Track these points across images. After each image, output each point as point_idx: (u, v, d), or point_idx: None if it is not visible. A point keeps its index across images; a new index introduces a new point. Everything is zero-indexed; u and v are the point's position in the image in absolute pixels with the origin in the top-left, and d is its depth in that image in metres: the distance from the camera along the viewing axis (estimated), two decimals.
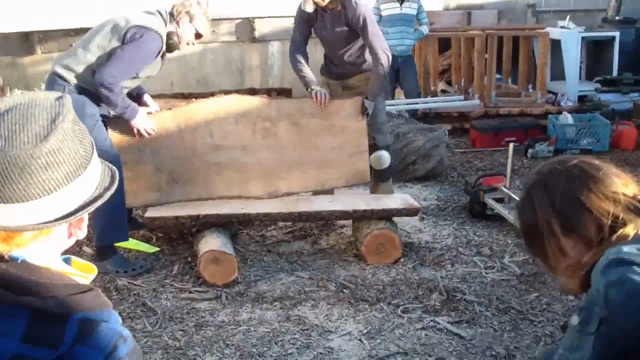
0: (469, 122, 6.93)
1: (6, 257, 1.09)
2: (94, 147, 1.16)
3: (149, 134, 4.06)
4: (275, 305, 3.57)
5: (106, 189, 1.15)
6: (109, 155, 3.62)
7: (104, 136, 3.85)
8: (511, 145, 4.71)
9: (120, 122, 4.03)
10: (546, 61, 7.22)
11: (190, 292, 3.74)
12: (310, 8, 4.36)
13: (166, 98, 6.51)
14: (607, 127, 6.43)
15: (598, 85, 7.51)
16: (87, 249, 4.17)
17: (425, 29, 6.92)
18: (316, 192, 4.56)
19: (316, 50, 5.01)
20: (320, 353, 3.13)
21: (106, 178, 1.17)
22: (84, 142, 1.12)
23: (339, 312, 3.49)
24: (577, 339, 1.46)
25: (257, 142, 4.32)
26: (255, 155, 4.33)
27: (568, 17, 7.83)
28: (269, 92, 7.05)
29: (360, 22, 4.28)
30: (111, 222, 3.84)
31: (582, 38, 7.62)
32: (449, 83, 7.98)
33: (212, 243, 3.88)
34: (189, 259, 4.11)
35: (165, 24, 3.90)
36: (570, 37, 7.57)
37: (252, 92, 7.02)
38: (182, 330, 3.33)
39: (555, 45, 7.60)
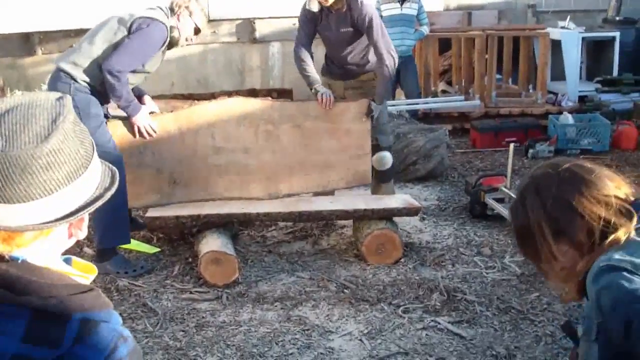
0: (470, 123, 6.93)
1: (7, 257, 1.09)
2: (95, 147, 1.16)
3: (149, 134, 4.05)
4: (276, 306, 3.57)
5: (106, 189, 1.15)
6: (112, 157, 3.62)
7: (107, 137, 3.84)
8: (511, 145, 4.71)
9: (120, 125, 4.02)
10: (546, 61, 7.22)
11: (191, 292, 3.74)
12: (315, 7, 4.33)
13: (166, 99, 6.53)
14: (607, 127, 6.43)
15: (598, 86, 7.51)
16: (88, 250, 4.17)
17: (425, 30, 6.92)
18: (317, 194, 4.56)
19: (316, 50, 5.00)
20: (321, 353, 3.14)
21: (106, 178, 1.17)
22: (85, 143, 1.13)
23: (339, 312, 3.49)
24: (587, 347, 1.48)
25: (259, 145, 4.29)
26: (257, 157, 4.31)
27: (568, 17, 7.83)
28: (269, 92, 7.06)
29: (366, 23, 4.27)
30: (113, 224, 3.84)
31: (583, 38, 7.62)
32: (449, 83, 7.97)
33: (212, 244, 3.88)
34: (190, 259, 4.11)
35: (167, 18, 3.92)
36: (570, 37, 7.56)
37: (253, 92, 7.04)
38: (182, 331, 3.34)
39: (556, 45, 7.59)
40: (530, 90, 7.39)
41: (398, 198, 4.46)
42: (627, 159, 6.11)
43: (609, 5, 8.22)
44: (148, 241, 4.40)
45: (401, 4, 6.70)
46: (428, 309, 3.51)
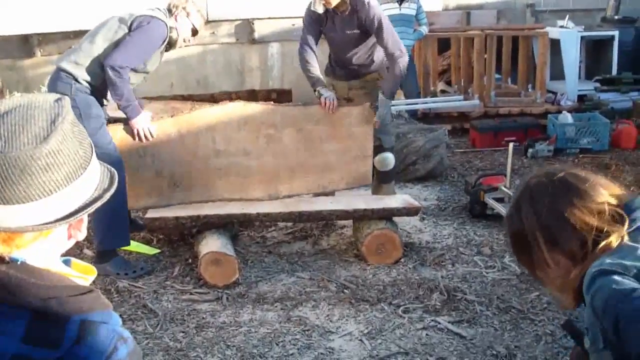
0: (469, 122, 6.93)
1: (6, 258, 1.09)
2: (93, 148, 1.16)
3: (147, 137, 4.02)
4: (276, 306, 3.57)
5: (105, 190, 1.16)
6: (112, 158, 3.62)
7: (108, 139, 3.83)
8: (511, 145, 4.71)
9: (120, 128, 4.01)
10: (545, 61, 7.22)
11: (191, 293, 3.74)
12: (320, 9, 4.32)
13: (166, 99, 6.53)
14: (606, 126, 6.43)
15: (597, 85, 7.51)
16: (88, 252, 4.17)
17: (424, 29, 6.92)
18: (317, 195, 4.55)
19: (319, 50, 4.99)
20: (322, 353, 3.14)
21: (105, 179, 1.17)
22: (84, 144, 1.13)
23: (339, 312, 3.49)
24: (598, 358, 1.48)
25: (260, 148, 4.27)
26: (258, 160, 4.29)
27: (567, 16, 7.83)
28: (268, 93, 7.06)
29: (376, 24, 4.24)
30: (113, 226, 3.83)
31: (582, 37, 7.62)
32: (448, 83, 7.98)
33: (212, 244, 3.88)
34: (190, 260, 4.11)
35: (166, 18, 3.93)
36: (569, 36, 7.57)
37: (252, 93, 7.03)
38: (183, 332, 3.33)
39: (555, 44, 7.59)
40: (530, 90, 7.39)
41: (398, 198, 4.46)
42: (627, 158, 6.11)
43: (607, 4, 8.22)
44: (148, 242, 4.40)
45: (400, 4, 6.70)
46: (428, 308, 3.51)
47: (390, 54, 4.31)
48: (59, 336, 1.06)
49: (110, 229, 3.84)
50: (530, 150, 6.25)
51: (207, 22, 7.40)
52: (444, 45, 7.72)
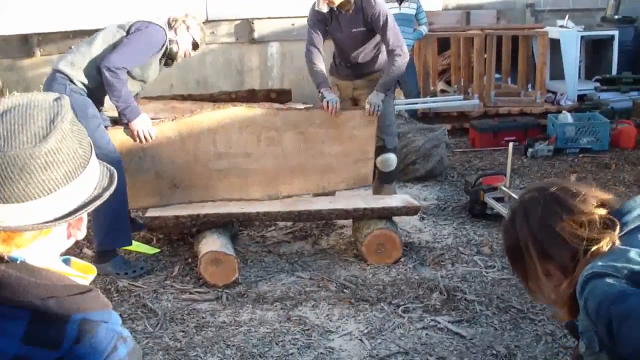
0: (469, 122, 6.93)
1: (6, 258, 1.09)
2: (93, 147, 1.16)
3: (146, 139, 4.01)
4: (275, 306, 3.57)
5: (105, 189, 1.15)
6: (111, 158, 3.61)
7: (106, 139, 3.82)
8: (511, 144, 4.71)
9: (120, 131, 3.99)
10: (545, 60, 7.22)
11: (190, 293, 3.73)
12: (324, 8, 4.32)
13: (165, 100, 6.52)
14: (606, 126, 6.43)
15: (597, 84, 7.51)
16: (88, 251, 4.17)
17: (424, 29, 6.92)
18: (317, 195, 4.55)
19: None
20: (321, 353, 3.13)
21: (105, 178, 1.17)
22: (83, 143, 1.13)
23: (339, 312, 3.49)
24: None
25: (260, 150, 4.27)
26: (258, 162, 4.28)
27: (567, 16, 7.83)
28: (268, 92, 7.05)
29: (381, 20, 4.25)
30: (113, 226, 3.83)
31: (581, 37, 7.62)
32: (448, 83, 7.98)
33: (212, 244, 3.88)
34: (190, 260, 4.11)
35: (166, 30, 3.95)
36: (569, 36, 7.57)
37: (252, 93, 7.02)
38: (182, 331, 3.33)
39: (555, 44, 7.60)
40: (529, 90, 7.40)
41: (397, 197, 4.46)
42: (627, 158, 6.11)
43: (607, 4, 8.22)
44: (148, 242, 4.40)
45: (400, 4, 6.70)
46: (428, 308, 3.51)
47: (390, 50, 4.32)
48: (58, 336, 1.06)
49: (110, 229, 3.84)
50: (530, 150, 6.25)
51: (207, 21, 7.44)
52: (443, 45, 7.72)
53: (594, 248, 1.48)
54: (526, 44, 7.38)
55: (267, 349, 3.16)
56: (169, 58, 4.06)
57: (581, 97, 7.47)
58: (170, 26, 4.01)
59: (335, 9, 4.30)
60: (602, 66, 7.77)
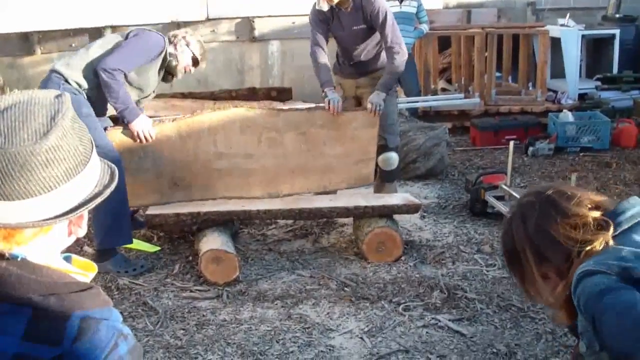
0: (470, 121, 6.93)
1: (6, 255, 1.09)
2: (94, 144, 1.16)
3: (146, 139, 4.00)
4: (276, 304, 3.57)
5: (106, 187, 1.15)
6: (110, 157, 3.60)
7: (105, 140, 3.82)
8: (511, 143, 4.71)
9: (119, 132, 3.99)
10: (546, 59, 7.21)
11: (191, 291, 3.74)
12: (325, 7, 4.32)
13: (166, 97, 6.52)
14: (607, 125, 6.43)
15: (598, 83, 7.49)
16: (88, 249, 4.17)
17: (425, 28, 6.92)
18: (318, 194, 4.55)
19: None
20: (322, 351, 3.14)
21: (106, 175, 1.17)
22: (84, 140, 1.13)
23: (340, 310, 3.49)
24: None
25: (261, 151, 4.26)
26: (259, 162, 4.28)
27: (568, 15, 7.82)
28: (269, 91, 7.04)
29: (380, 17, 4.27)
30: (114, 225, 3.83)
31: (582, 36, 7.60)
32: (449, 81, 7.97)
33: (213, 242, 3.88)
34: (190, 258, 4.11)
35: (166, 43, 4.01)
36: (570, 35, 7.55)
37: (252, 91, 7.01)
38: (183, 329, 3.33)
39: (555, 43, 7.58)
40: (530, 88, 7.39)
41: (398, 196, 4.46)
42: (627, 157, 6.11)
43: (608, 3, 8.21)
44: (148, 240, 4.40)
45: (400, 2, 6.70)
46: (428, 306, 3.51)
47: (389, 47, 4.33)
48: (59, 333, 1.05)
49: (110, 227, 3.84)
50: (530, 148, 6.24)
51: (207, 20, 7.44)
52: (444, 43, 7.72)
53: (587, 248, 1.51)
54: (527, 43, 7.38)
55: (267, 347, 3.16)
56: (168, 73, 4.11)
57: (582, 96, 7.46)
58: (170, 41, 4.06)
59: (335, 7, 4.31)
60: (603, 65, 7.75)
